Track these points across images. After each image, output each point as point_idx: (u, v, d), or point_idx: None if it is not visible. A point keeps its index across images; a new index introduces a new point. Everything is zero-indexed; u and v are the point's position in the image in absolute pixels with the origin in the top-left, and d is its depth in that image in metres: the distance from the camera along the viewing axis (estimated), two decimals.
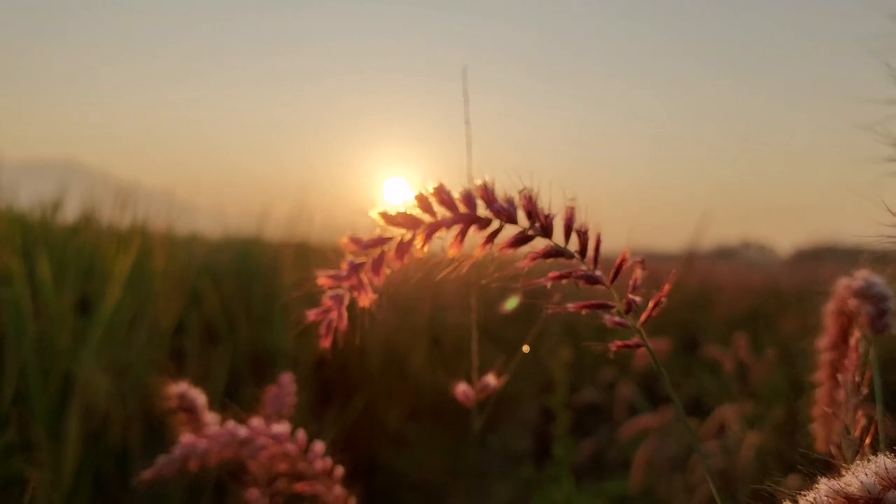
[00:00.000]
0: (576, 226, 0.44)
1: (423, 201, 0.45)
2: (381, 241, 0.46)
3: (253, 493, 0.75)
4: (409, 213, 0.45)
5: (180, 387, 0.81)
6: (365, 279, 0.48)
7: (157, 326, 2.05)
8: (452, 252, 0.46)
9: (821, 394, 0.97)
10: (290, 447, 0.66)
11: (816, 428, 0.99)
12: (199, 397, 0.81)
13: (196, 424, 0.80)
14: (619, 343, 0.43)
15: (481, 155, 0.48)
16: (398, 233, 0.46)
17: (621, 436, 2.08)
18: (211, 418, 0.81)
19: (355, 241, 0.47)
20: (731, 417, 1.86)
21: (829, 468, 0.38)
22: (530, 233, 0.45)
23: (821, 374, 0.97)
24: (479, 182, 0.45)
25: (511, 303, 0.75)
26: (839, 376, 0.94)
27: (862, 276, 0.83)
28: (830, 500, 0.34)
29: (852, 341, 0.43)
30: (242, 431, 0.66)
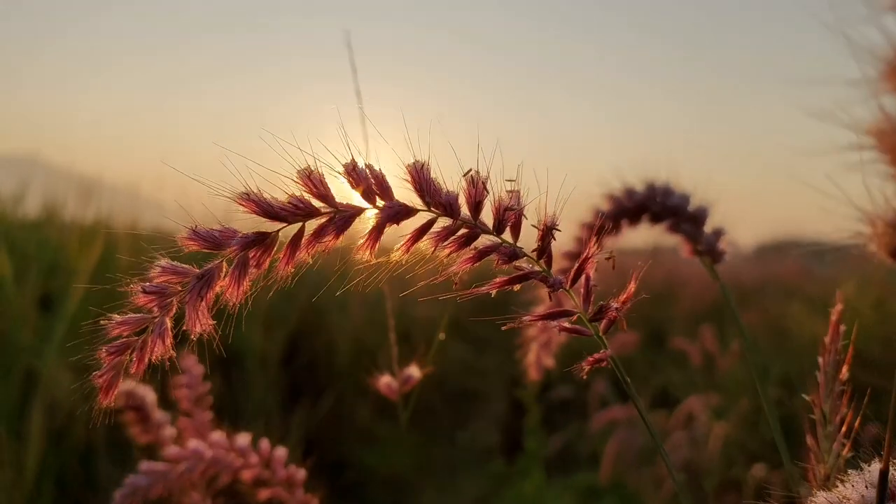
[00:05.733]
0: (547, 221, 0.36)
1: (354, 175, 0.34)
2: (259, 237, 0.34)
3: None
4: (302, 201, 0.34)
5: (128, 384, 0.77)
6: (208, 295, 0.34)
7: None
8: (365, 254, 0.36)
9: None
10: (254, 458, 0.65)
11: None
12: (148, 395, 0.79)
13: (145, 423, 0.78)
14: (592, 358, 0.38)
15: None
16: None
17: (591, 429, 2.09)
18: (160, 417, 0.79)
19: (203, 235, 0.34)
20: (698, 409, 1.89)
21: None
22: (465, 229, 0.35)
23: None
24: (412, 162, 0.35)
25: None
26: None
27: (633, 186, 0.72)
28: None
29: (834, 316, 0.43)
30: (208, 451, 0.64)
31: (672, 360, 2.62)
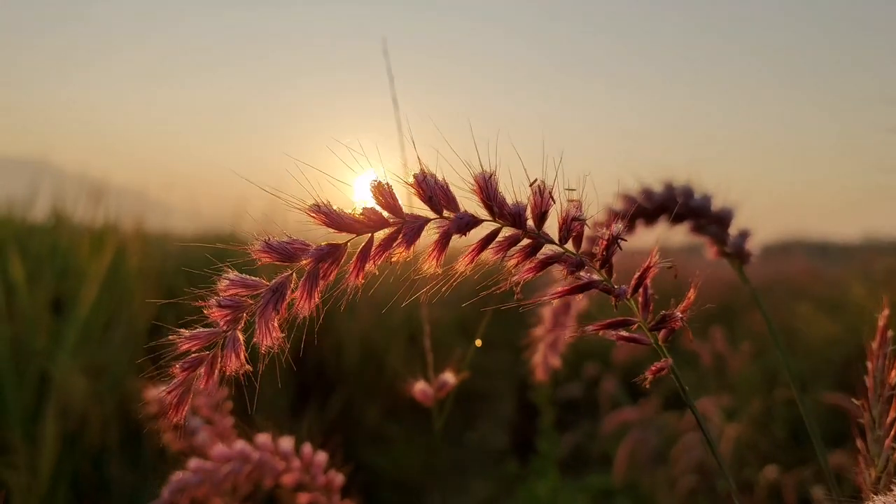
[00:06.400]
0: (612, 231, 0.36)
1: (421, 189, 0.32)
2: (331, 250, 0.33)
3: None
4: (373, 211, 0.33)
5: (161, 391, 0.77)
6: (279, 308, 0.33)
7: (133, 326, 2.02)
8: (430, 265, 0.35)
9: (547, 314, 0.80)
10: (296, 462, 0.65)
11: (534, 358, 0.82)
12: None
13: (180, 430, 0.78)
14: (654, 367, 0.38)
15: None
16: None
17: (603, 430, 2.09)
18: (195, 423, 0.79)
19: (276, 248, 0.33)
20: (710, 410, 1.88)
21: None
22: (528, 240, 0.35)
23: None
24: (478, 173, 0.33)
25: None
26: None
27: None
28: None
29: (881, 322, 0.43)
30: (255, 453, 0.64)
31: (683, 361, 2.62)
